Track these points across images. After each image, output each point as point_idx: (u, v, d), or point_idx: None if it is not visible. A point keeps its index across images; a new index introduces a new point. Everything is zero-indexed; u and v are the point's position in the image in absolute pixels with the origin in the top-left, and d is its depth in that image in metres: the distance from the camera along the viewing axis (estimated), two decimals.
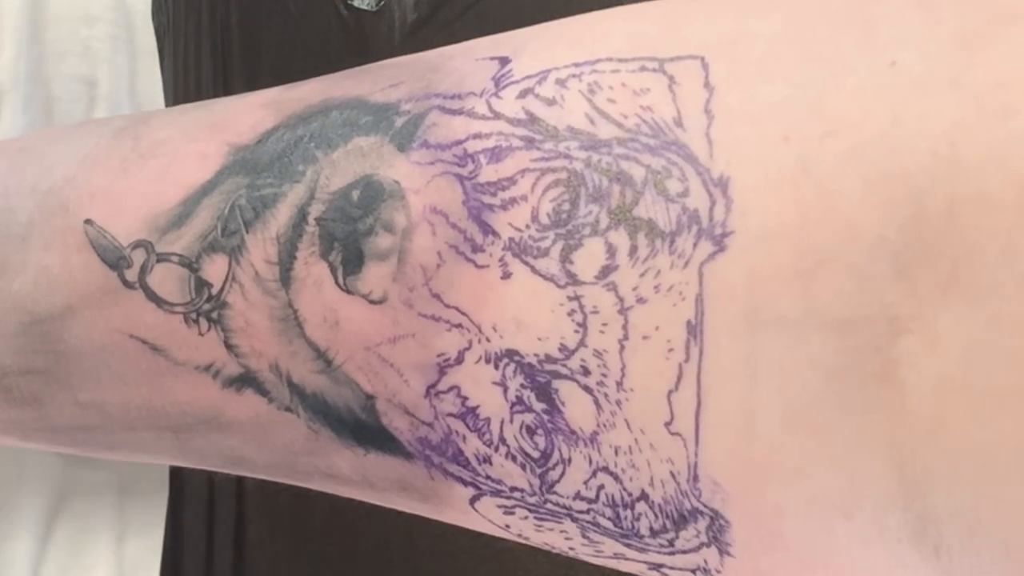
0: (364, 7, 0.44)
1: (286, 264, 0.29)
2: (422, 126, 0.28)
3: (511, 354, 0.26)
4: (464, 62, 0.29)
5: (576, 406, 0.26)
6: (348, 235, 0.28)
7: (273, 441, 0.31)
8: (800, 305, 0.23)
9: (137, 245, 0.31)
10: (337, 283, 0.28)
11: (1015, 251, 0.21)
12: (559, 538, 0.28)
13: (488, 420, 0.27)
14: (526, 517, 0.28)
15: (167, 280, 0.30)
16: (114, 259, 0.31)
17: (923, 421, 0.22)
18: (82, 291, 0.31)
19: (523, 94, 0.27)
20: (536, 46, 0.28)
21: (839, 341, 0.23)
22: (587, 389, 0.26)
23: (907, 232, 0.22)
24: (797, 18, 0.26)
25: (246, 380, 0.30)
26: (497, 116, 0.27)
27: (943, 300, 0.22)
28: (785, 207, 0.23)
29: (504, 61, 0.28)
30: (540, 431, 0.27)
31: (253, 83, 0.35)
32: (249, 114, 0.31)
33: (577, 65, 0.27)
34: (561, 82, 0.27)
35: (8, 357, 0.33)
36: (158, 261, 0.30)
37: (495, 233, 0.27)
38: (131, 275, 0.31)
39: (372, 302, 0.28)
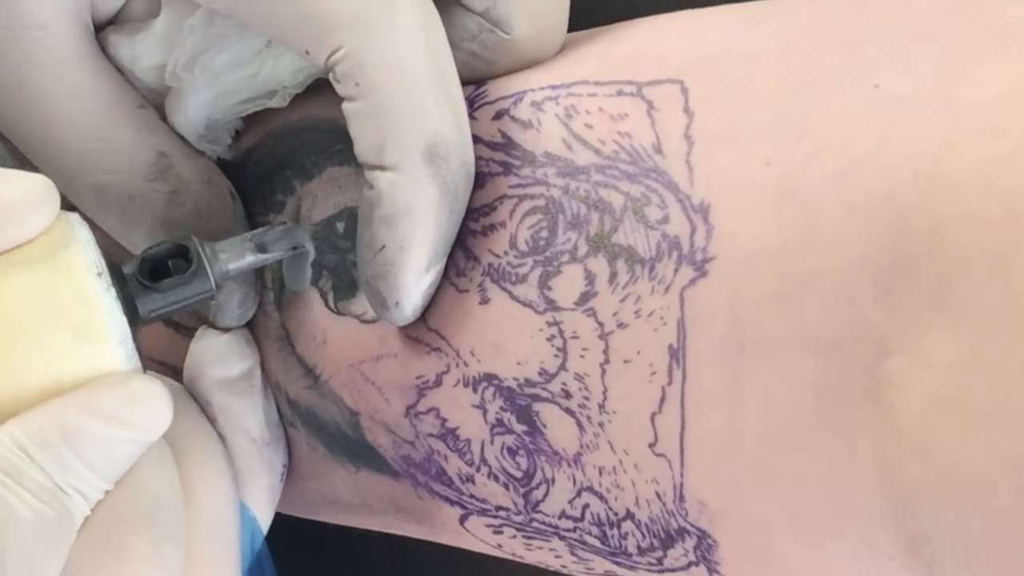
0: None
1: (278, 290, 0.30)
2: None
3: (489, 378, 0.27)
4: None
5: (558, 428, 0.26)
6: (337, 264, 0.29)
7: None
8: (785, 326, 0.23)
9: None
10: (328, 306, 0.29)
11: (1002, 269, 0.21)
12: (549, 556, 0.29)
13: (468, 441, 0.27)
14: (515, 536, 0.29)
15: None
16: None
17: (913, 440, 0.22)
18: None
19: (498, 115, 0.28)
20: None
21: (826, 361, 0.23)
22: (569, 411, 0.26)
23: (892, 252, 0.22)
24: (782, 36, 0.26)
25: None
26: (474, 140, 0.27)
27: (930, 319, 0.22)
28: (767, 230, 0.23)
29: (478, 82, 0.28)
30: (522, 452, 0.27)
31: None
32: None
33: (553, 88, 0.27)
34: (537, 104, 0.27)
35: None
36: None
37: (475, 258, 0.27)
38: None
39: (364, 322, 0.29)
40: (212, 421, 0.29)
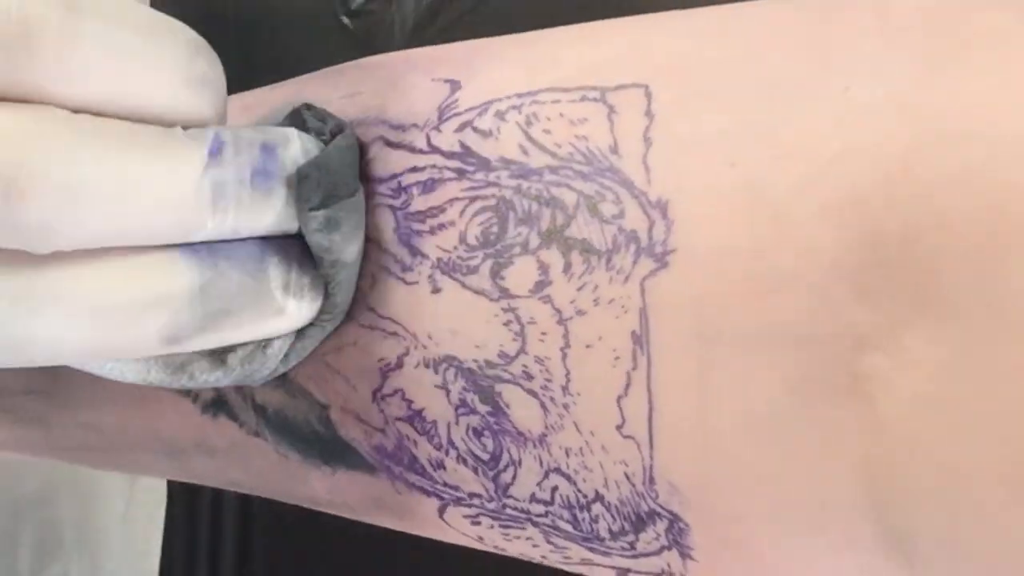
0: None
1: None
2: (364, 159, 0.29)
3: (450, 359, 0.27)
4: (421, 79, 0.29)
5: (521, 409, 0.27)
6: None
7: (253, 467, 0.32)
8: (757, 321, 0.23)
9: None
10: None
11: (984, 273, 0.21)
12: (527, 546, 0.29)
13: (435, 423, 0.28)
14: (492, 526, 0.29)
15: None
16: None
17: (898, 438, 0.22)
18: None
19: (462, 127, 0.28)
20: (489, 71, 0.29)
21: (801, 355, 0.23)
22: (531, 393, 0.26)
23: (865, 255, 0.22)
24: (751, 43, 0.26)
25: (219, 405, 0.32)
26: (433, 151, 0.28)
27: (911, 320, 0.22)
28: (737, 228, 0.24)
29: (455, 86, 0.29)
30: (487, 433, 0.27)
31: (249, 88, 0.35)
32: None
33: (519, 96, 0.27)
34: (500, 114, 0.28)
35: (9, 377, 0.34)
36: None
37: (423, 255, 0.28)
38: None
39: None
40: None
